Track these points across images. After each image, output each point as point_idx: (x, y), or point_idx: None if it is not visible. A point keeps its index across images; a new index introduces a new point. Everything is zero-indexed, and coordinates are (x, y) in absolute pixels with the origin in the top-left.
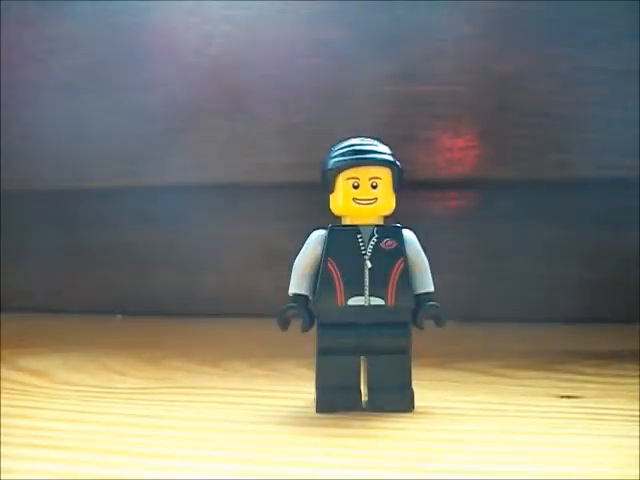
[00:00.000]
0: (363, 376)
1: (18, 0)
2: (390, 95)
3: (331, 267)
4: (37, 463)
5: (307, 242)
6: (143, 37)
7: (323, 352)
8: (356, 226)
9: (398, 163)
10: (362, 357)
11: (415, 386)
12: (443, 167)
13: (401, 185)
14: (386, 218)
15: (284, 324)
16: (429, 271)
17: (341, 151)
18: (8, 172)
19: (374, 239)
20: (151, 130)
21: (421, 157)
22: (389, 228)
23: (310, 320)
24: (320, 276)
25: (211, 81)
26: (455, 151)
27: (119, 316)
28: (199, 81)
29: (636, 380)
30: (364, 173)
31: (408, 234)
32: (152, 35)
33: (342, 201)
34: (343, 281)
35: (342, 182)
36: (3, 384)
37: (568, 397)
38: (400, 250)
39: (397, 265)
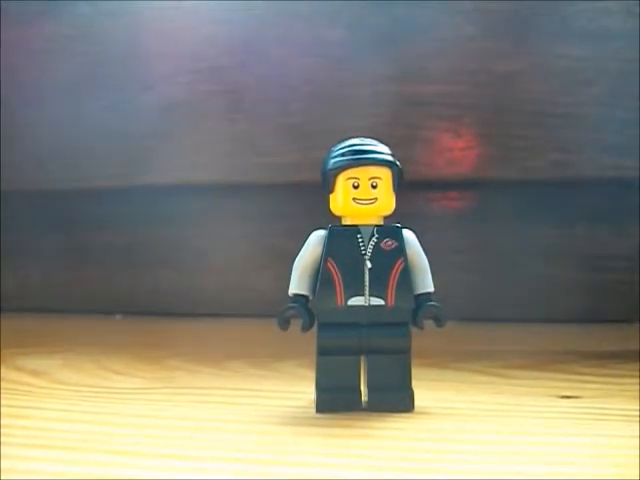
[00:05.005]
0: (363, 376)
1: (18, 0)
2: (390, 95)
3: (331, 267)
4: (37, 463)
5: (307, 242)
6: (143, 37)
7: (323, 352)
8: (356, 226)
9: (398, 163)
10: (362, 357)
11: (415, 386)
12: (443, 167)
13: (401, 185)
14: (386, 218)
15: (284, 324)
16: (429, 271)
17: (341, 151)
18: (8, 172)
19: (374, 239)
20: (151, 130)
21: (421, 157)
22: (389, 228)
23: (310, 320)
24: (320, 276)
25: (211, 81)
26: (455, 151)
27: (119, 316)
28: (199, 81)
29: (636, 380)
30: (364, 173)
31: (408, 234)
32: (152, 35)
33: (342, 201)
34: (343, 281)
35: (342, 182)
36: (3, 384)
37: (568, 397)
38: (400, 250)
39: (397, 265)
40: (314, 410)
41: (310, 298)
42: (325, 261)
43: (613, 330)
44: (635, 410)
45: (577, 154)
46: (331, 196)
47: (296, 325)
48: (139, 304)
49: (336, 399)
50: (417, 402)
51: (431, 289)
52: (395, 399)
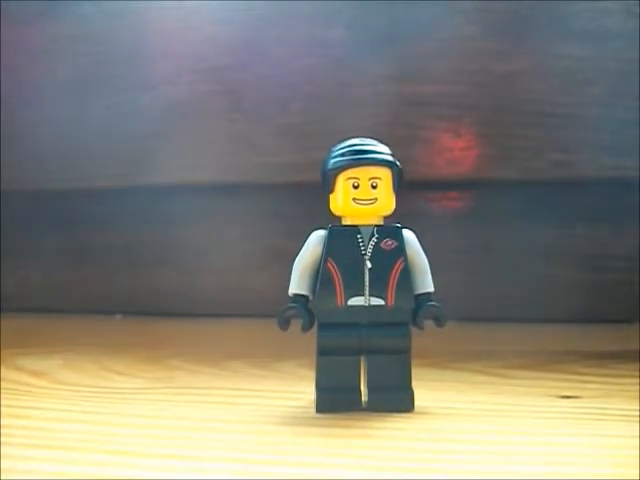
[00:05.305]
0: (363, 376)
1: (18, 0)
2: (390, 95)
3: (331, 267)
4: (37, 463)
5: (307, 242)
6: (143, 37)
7: (323, 352)
8: (356, 226)
9: (398, 163)
10: (362, 357)
11: (415, 386)
12: (443, 167)
13: (401, 185)
14: (386, 218)
15: (284, 324)
16: (429, 271)
17: (341, 151)
18: (8, 172)
19: (374, 239)
20: (151, 130)
21: (421, 157)
22: (389, 228)
23: (310, 320)
24: (320, 276)
25: (211, 81)
26: (455, 151)
27: (119, 316)
28: (199, 81)
29: (636, 380)
30: (364, 173)
31: (408, 234)
32: (152, 35)
33: (342, 201)
34: (343, 281)
35: (342, 182)
36: (3, 384)
37: (568, 397)
38: (400, 250)
39: (397, 265)
40: (314, 410)
41: (310, 298)
42: (325, 261)
43: (613, 330)
44: (635, 410)
45: (577, 154)
46: (331, 196)
47: (296, 325)
48: (139, 304)
49: (336, 399)
50: (417, 402)
51: (431, 289)
52: (395, 399)
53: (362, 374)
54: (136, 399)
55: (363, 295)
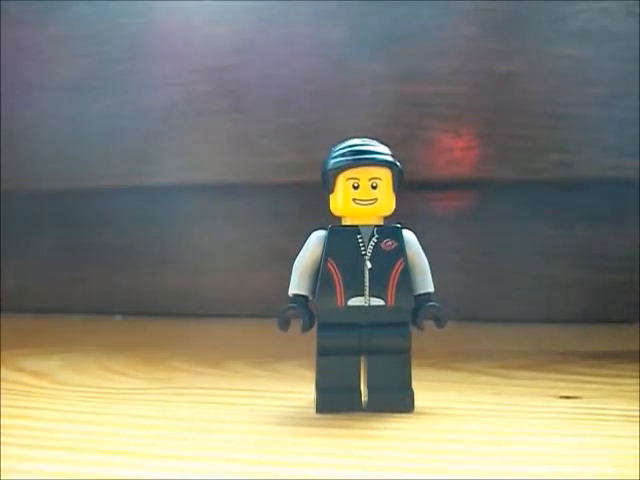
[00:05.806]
0: (363, 376)
1: (18, 0)
2: (390, 95)
3: (331, 267)
4: (37, 463)
5: (307, 242)
6: (143, 37)
7: (323, 352)
8: (356, 226)
9: (398, 164)
10: (362, 357)
11: (415, 386)
12: (443, 167)
13: (401, 185)
14: (386, 218)
15: (284, 324)
16: (429, 271)
17: (341, 151)
18: (8, 172)
19: (374, 239)
20: (151, 130)
21: (421, 157)
22: (389, 228)
23: (310, 320)
24: (320, 276)
25: (211, 81)
26: (455, 151)
27: (119, 316)
28: (200, 81)
29: (636, 380)
30: (364, 173)
31: (408, 234)
32: (152, 35)
33: (342, 201)
34: (343, 281)
35: (342, 182)
36: (3, 384)
37: (568, 397)
38: (400, 250)
39: (397, 265)
40: (314, 410)
41: (310, 298)
42: (325, 261)
43: (613, 330)
44: (635, 410)
45: (577, 154)
46: (331, 196)
47: (296, 325)
48: (139, 304)
49: (336, 399)
50: (417, 402)
51: (431, 289)
52: (395, 399)
53: (362, 374)
54: (136, 399)
55: (363, 295)
